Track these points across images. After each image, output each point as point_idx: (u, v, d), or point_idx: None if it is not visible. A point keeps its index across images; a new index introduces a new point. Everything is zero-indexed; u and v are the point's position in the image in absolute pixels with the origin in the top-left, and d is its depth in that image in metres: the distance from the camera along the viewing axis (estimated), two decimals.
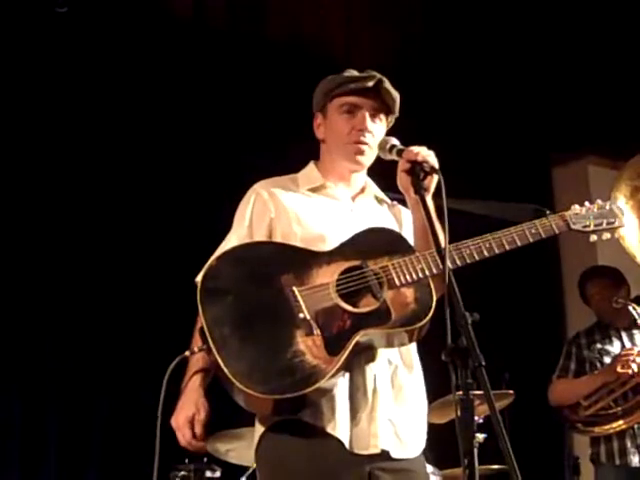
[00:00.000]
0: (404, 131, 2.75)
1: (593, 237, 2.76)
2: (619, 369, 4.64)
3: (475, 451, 2.01)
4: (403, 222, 2.81)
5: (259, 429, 2.56)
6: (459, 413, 2.02)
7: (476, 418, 3.67)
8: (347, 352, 2.39)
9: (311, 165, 2.88)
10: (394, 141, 2.58)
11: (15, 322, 4.81)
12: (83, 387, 4.95)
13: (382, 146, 2.61)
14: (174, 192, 5.34)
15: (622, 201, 2.96)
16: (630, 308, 4.79)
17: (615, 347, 4.87)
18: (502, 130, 6.59)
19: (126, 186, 5.23)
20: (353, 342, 2.40)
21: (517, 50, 6.12)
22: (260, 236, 2.68)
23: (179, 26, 5.45)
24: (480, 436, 4.25)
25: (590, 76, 6.18)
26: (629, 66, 6.04)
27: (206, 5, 5.51)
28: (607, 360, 4.83)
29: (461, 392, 2.03)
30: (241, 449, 4.32)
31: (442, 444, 2.90)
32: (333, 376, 2.39)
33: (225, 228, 2.79)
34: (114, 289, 5.11)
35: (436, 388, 2.82)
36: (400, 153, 2.51)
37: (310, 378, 2.35)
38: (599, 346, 4.91)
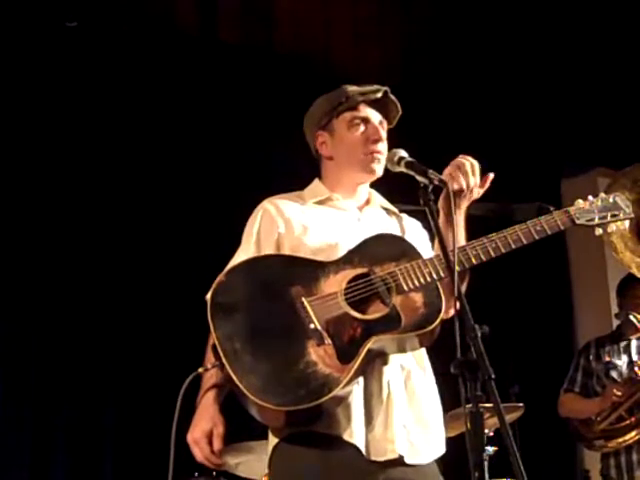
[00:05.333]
0: (417, 142, 2.75)
1: (599, 231, 2.73)
2: (614, 399, 4.69)
3: (485, 464, 2.00)
4: (410, 232, 2.82)
5: (273, 440, 2.56)
6: (469, 426, 2.02)
7: (486, 431, 3.67)
8: (360, 359, 2.40)
9: (316, 181, 2.90)
10: (402, 153, 2.58)
11: (23, 333, 4.82)
12: (94, 403, 4.94)
13: (390, 158, 2.61)
14: (186, 210, 5.35)
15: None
16: (631, 317, 4.81)
17: (622, 361, 4.89)
18: (515, 142, 6.60)
19: (138, 202, 5.24)
20: (365, 349, 2.41)
21: (534, 65, 6.12)
22: (268, 251, 2.68)
23: (187, 39, 5.46)
24: (490, 449, 4.24)
25: (602, 90, 6.19)
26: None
27: (213, 18, 5.52)
28: (613, 374, 4.85)
29: (471, 405, 2.02)
30: (250, 462, 4.31)
31: (452, 457, 2.88)
32: (347, 384, 2.39)
33: (236, 244, 2.79)
34: (128, 304, 5.11)
35: (445, 401, 2.80)
36: (408, 165, 2.51)
37: (324, 388, 2.35)
38: (607, 359, 4.93)
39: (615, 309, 5.38)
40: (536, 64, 6.13)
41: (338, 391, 2.36)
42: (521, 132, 6.55)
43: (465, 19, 5.99)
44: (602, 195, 2.76)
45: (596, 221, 2.70)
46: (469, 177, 2.60)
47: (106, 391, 4.99)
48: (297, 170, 3.08)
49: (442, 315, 2.46)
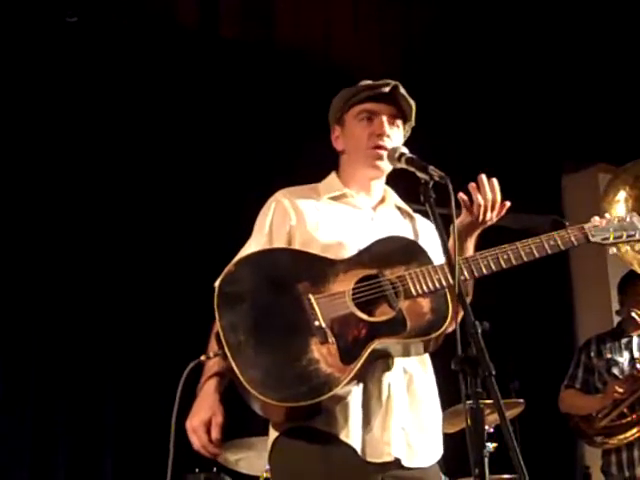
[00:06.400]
0: (416, 140, 2.75)
1: (612, 250, 2.70)
2: (616, 395, 4.69)
3: (485, 460, 2.00)
4: (422, 235, 2.80)
5: (273, 434, 2.56)
6: (469, 422, 2.02)
7: (486, 427, 3.67)
8: (362, 361, 2.39)
9: (332, 175, 2.88)
10: (403, 149, 2.58)
11: (24, 331, 4.82)
12: (94, 393, 4.95)
13: (391, 155, 2.61)
14: (194, 200, 5.36)
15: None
16: (633, 314, 4.81)
17: (624, 357, 4.89)
18: (516, 138, 6.59)
19: (141, 195, 5.25)
20: (368, 351, 2.40)
21: (535, 62, 6.12)
22: (279, 243, 2.68)
23: (187, 35, 5.46)
24: (490, 445, 4.24)
25: (602, 86, 6.19)
26: None
27: (214, 14, 5.51)
28: (615, 371, 4.85)
29: (471, 401, 2.02)
30: (251, 459, 4.31)
31: (452, 453, 2.88)
32: (347, 384, 2.39)
33: (244, 234, 2.78)
34: (127, 299, 5.11)
35: (446, 397, 2.80)
36: (409, 161, 2.50)
37: (324, 386, 2.35)
38: (608, 356, 4.92)
39: (616, 306, 5.38)
40: (537, 60, 6.13)
41: (337, 391, 2.36)
42: (522, 129, 6.55)
43: (465, 19, 5.99)
44: (620, 214, 2.74)
45: (611, 240, 2.66)
46: (487, 213, 2.61)
47: (106, 389, 4.99)
48: (298, 165, 3.07)
49: (448, 323, 2.45)
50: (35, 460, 4.71)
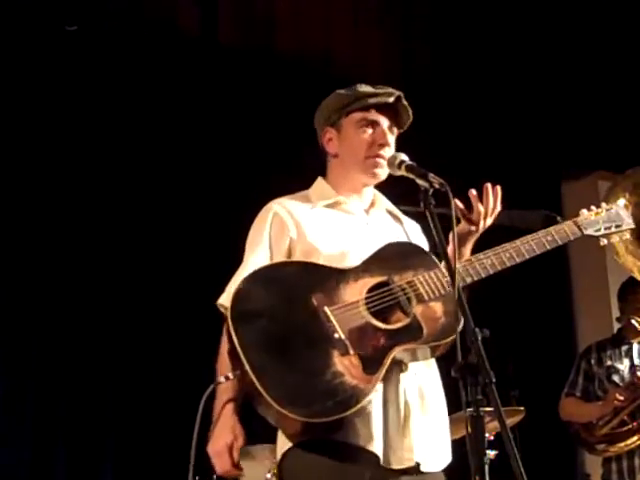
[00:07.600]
0: (416, 147, 2.75)
1: (603, 241, 2.79)
2: (616, 403, 4.68)
3: (486, 468, 2.00)
4: (413, 235, 2.82)
5: (285, 444, 2.53)
6: (470, 430, 2.01)
7: (487, 435, 3.66)
8: (385, 369, 2.40)
9: (320, 181, 2.87)
10: (403, 157, 2.58)
11: (24, 328, 4.83)
12: (95, 393, 4.94)
13: (391, 162, 2.61)
14: (190, 208, 5.35)
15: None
16: (633, 321, 4.81)
17: (624, 365, 4.88)
18: (516, 145, 6.60)
19: (143, 208, 5.24)
20: (390, 359, 2.41)
21: (535, 68, 6.13)
22: (280, 256, 2.65)
23: (188, 42, 5.47)
24: (491, 453, 4.23)
25: (602, 94, 6.20)
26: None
27: (214, 21, 5.52)
28: (615, 378, 4.84)
29: (472, 409, 2.02)
30: (251, 468, 4.29)
31: (453, 461, 2.88)
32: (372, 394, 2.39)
33: (240, 249, 2.76)
34: (129, 300, 5.12)
35: (447, 405, 2.80)
36: (409, 169, 2.50)
37: (352, 399, 2.35)
38: (608, 363, 4.92)
39: (615, 313, 5.37)
40: (537, 68, 6.15)
41: (364, 402, 2.36)
42: (521, 136, 6.55)
43: (465, 22, 6.00)
44: (605, 206, 2.80)
45: (602, 232, 2.76)
46: (487, 219, 2.66)
47: (107, 389, 4.99)
48: (299, 171, 3.06)
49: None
50: (35, 460, 4.71)
